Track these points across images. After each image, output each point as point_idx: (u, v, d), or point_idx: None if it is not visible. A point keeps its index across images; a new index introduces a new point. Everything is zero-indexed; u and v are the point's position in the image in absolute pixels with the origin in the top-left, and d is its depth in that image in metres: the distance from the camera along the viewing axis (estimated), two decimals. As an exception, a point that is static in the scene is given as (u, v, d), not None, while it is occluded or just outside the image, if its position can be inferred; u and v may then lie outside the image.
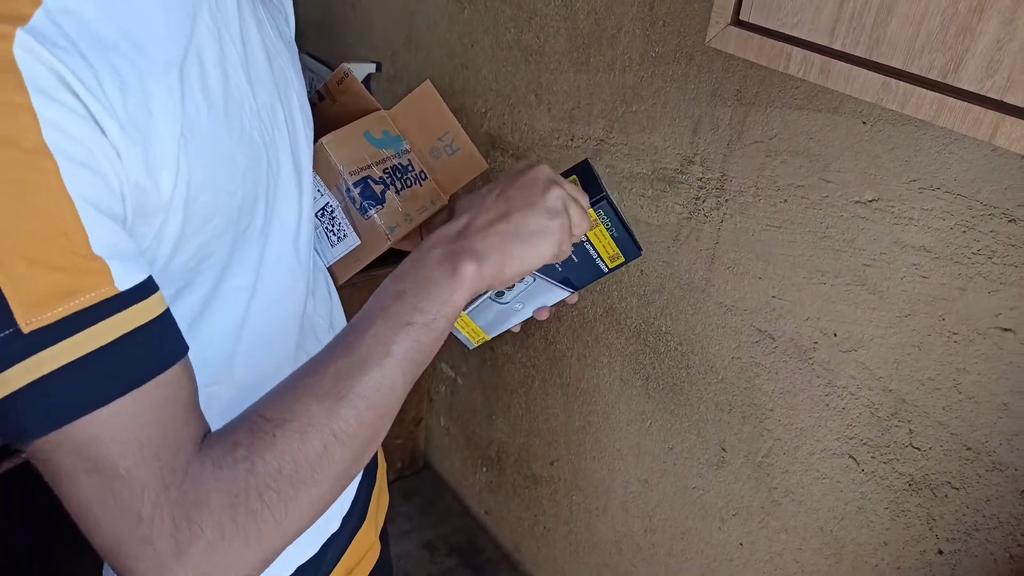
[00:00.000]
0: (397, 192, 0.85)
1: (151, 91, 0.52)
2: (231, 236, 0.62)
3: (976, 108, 0.55)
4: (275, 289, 0.70)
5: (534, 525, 1.78)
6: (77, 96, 0.47)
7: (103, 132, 0.48)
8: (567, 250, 0.64)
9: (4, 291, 0.43)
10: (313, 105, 0.91)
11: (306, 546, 0.81)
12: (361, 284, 0.90)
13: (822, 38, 0.64)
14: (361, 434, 0.54)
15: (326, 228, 0.85)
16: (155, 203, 0.53)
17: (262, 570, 0.52)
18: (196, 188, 0.55)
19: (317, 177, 0.83)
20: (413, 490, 2.09)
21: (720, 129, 1.04)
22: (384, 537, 1.02)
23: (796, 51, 0.66)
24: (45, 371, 0.44)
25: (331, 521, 0.84)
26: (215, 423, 0.57)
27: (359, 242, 0.84)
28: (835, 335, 0.98)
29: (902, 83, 0.60)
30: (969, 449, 0.88)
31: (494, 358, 1.74)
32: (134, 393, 0.48)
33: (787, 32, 0.66)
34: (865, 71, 0.62)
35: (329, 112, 0.91)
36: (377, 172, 0.84)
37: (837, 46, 0.63)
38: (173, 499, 0.48)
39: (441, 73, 1.58)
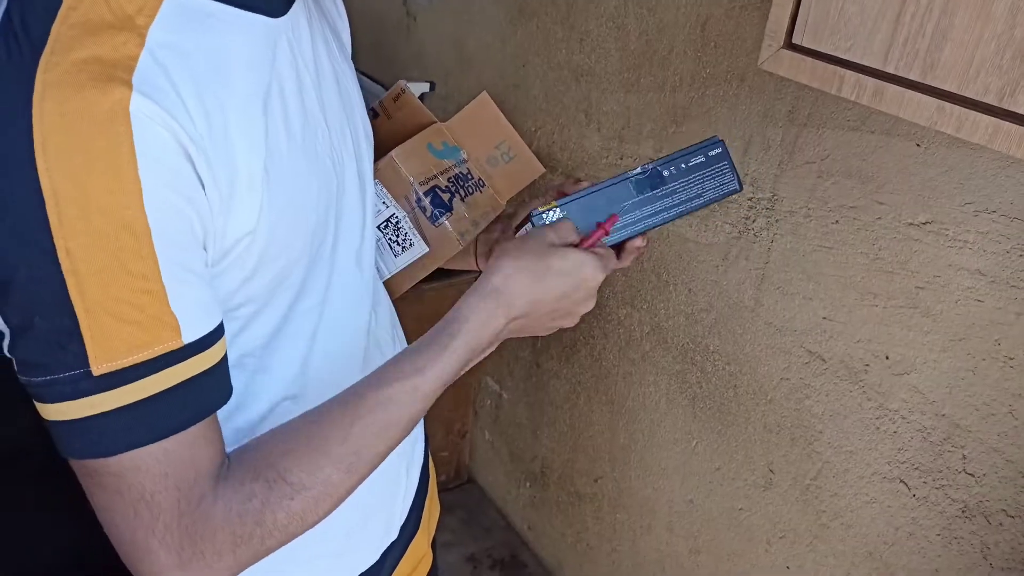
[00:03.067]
0: (462, 199, 0.88)
1: (234, 127, 0.54)
2: (307, 259, 0.65)
3: (1033, 133, 0.55)
4: (341, 306, 0.72)
5: (577, 542, 1.78)
6: (187, 155, 0.50)
7: (202, 186, 0.52)
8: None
9: (84, 337, 0.48)
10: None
11: (367, 554, 0.83)
12: (412, 298, 0.93)
13: (875, 62, 0.64)
14: (356, 489, 0.60)
15: (390, 239, 0.88)
16: (237, 233, 0.56)
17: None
18: (276, 216, 0.58)
19: (383, 190, 0.86)
20: (457, 503, 2.11)
21: (771, 149, 1.04)
22: (434, 546, 1.04)
23: (849, 74, 0.66)
24: (104, 409, 0.49)
25: (390, 530, 0.85)
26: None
27: (427, 249, 0.87)
28: (887, 358, 0.97)
29: (957, 107, 0.60)
30: (1025, 476, 0.87)
31: (539, 373, 1.75)
32: (175, 436, 0.52)
33: (840, 56, 0.66)
34: (919, 95, 0.62)
35: (384, 128, 0.94)
36: (443, 181, 0.87)
37: (890, 70, 0.63)
38: (184, 526, 0.53)
39: (492, 93, 1.59)
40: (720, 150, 0.74)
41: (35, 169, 0.45)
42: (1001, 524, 0.91)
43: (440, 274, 0.92)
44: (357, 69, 0.88)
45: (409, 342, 0.94)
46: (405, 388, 0.60)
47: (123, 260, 0.48)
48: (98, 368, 0.48)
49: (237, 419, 0.66)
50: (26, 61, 0.46)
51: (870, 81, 0.65)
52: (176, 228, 0.50)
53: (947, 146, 0.85)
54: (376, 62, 2.09)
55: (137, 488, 0.51)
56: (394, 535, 0.86)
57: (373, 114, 0.95)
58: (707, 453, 1.31)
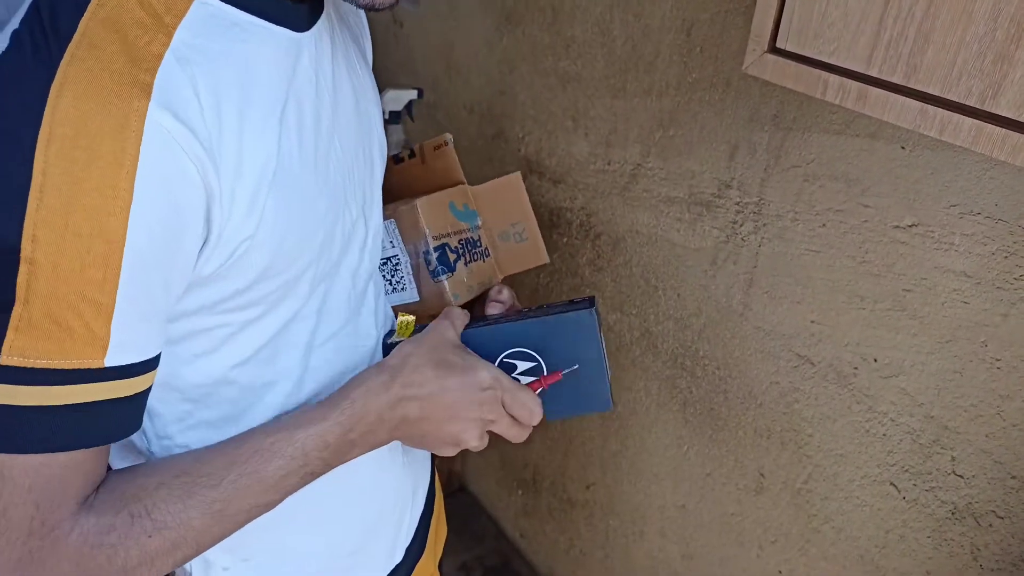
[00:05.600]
0: (466, 264, 0.89)
1: (248, 136, 0.54)
2: (313, 272, 0.64)
3: (1015, 135, 0.55)
4: (336, 319, 0.72)
5: (569, 549, 1.78)
6: (198, 169, 0.50)
7: (207, 198, 0.51)
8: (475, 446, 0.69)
9: (10, 324, 0.46)
10: (401, 160, 0.95)
11: (372, 575, 0.82)
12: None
13: (859, 65, 0.64)
14: (215, 545, 0.58)
15: (385, 276, 0.88)
16: (236, 240, 0.55)
17: None
18: (283, 227, 0.58)
19: (396, 230, 0.86)
20: (449, 512, 2.09)
21: (757, 154, 1.04)
22: (441, 568, 1.03)
23: (833, 78, 0.66)
24: None
25: (394, 553, 0.85)
26: None
27: (417, 299, 0.88)
28: (875, 360, 0.98)
29: (940, 109, 0.60)
30: (1014, 478, 0.87)
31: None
32: (59, 454, 0.49)
33: (824, 59, 0.66)
34: (903, 98, 0.62)
35: (415, 171, 0.95)
36: (454, 242, 0.89)
37: (874, 73, 0.63)
38: (31, 547, 0.49)
39: (479, 99, 1.60)
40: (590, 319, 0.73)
41: (33, 151, 0.45)
42: (991, 525, 0.91)
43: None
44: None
45: None
46: (282, 439, 0.59)
47: (86, 264, 0.47)
48: (7, 358, 0.46)
49: (227, 430, 0.66)
50: (52, 54, 0.46)
51: (854, 84, 0.65)
52: (155, 249, 0.49)
53: (932, 149, 0.85)
54: (364, 70, 2.09)
55: None
56: (399, 557, 0.85)
57: (410, 154, 0.96)
58: (698, 458, 1.31)
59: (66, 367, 0.48)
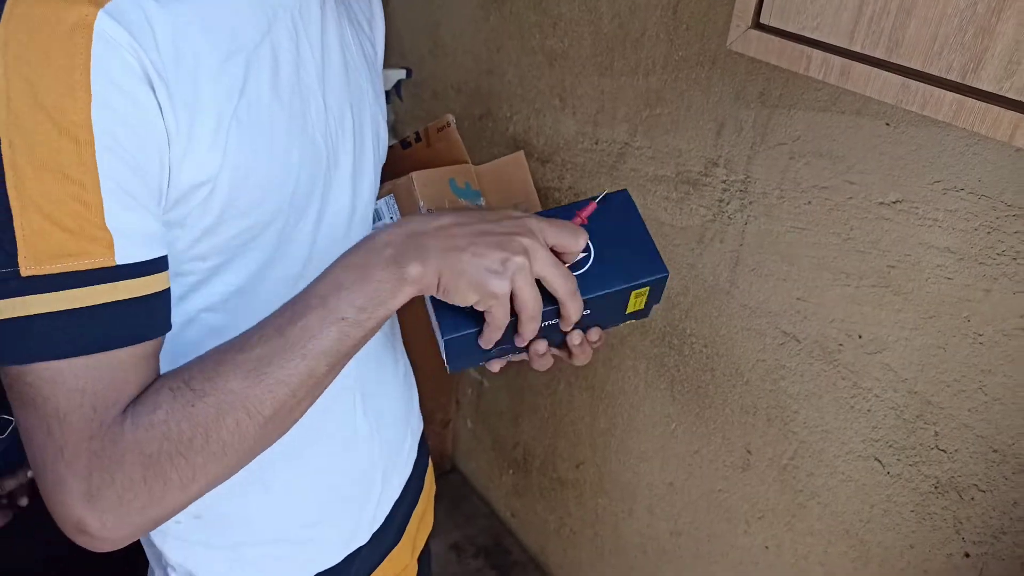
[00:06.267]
0: None
1: (204, 70, 0.55)
2: (280, 225, 0.65)
3: (995, 108, 0.55)
4: None
5: (560, 527, 1.79)
6: (148, 80, 0.51)
7: (161, 114, 0.52)
8: (503, 313, 0.58)
9: (16, 234, 0.48)
10: (409, 145, 0.96)
11: (329, 552, 0.83)
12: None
13: (842, 40, 0.64)
14: (276, 416, 0.55)
15: None
16: (196, 178, 0.56)
17: (164, 522, 0.55)
18: (245, 168, 0.58)
19: (395, 206, 0.86)
20: (440, 492, 2.10)
21: (744, 131, 1.04)
22: (424, 558, 1.03)
23: (817, 53, 0.66)
24: (28, 312, 0.49)
25: (357, 532, 0.85)
26: None
27: None
28: (860, 337, 0.98)
29: (921, 84, 0.60)
30: (995, 451, 0.88)
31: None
32: (98, 355, 0.51)
33: (807, 35, 0.66)
34: (885, 72, 0.62)
35: (421, 154, 0.95)
36: None
37: (857, 48, 0.63)
38: (94, 449, 0.51)
39: (466, 79, 1.60)
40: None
41: None
42: (973, 499, 0.92)
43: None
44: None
45: (406, 341, 0.95)
46: (300, 295, 0.56)
47: (61, 163, 0.48)
48: (26, 269, 0.48)
49: None
50: None
51: (837, 60, 0.65)
52: (123, 148, 0.50)
53: (915, 125, 0.85)
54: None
55: (52, 405, 0.50)
56: (363, 539, 0.85)
57: (416, 137, 0.96)
58: (686, 436, 1.32)
59: (81, 268, 0.50)
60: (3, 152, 0.47)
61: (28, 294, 0.49)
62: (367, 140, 0.75)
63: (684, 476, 1.35)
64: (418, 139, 0.96)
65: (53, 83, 0.47)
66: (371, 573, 0.89)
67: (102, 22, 0.48)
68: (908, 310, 0.92)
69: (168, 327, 0.57)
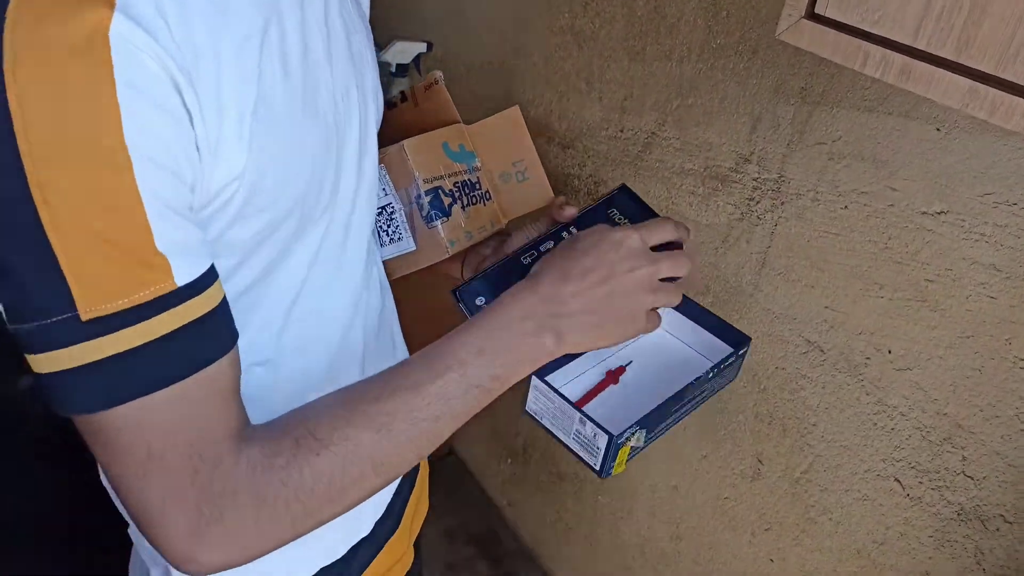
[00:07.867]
0: (463, 208, 0.85)
1: (226, 62, 0.50)
2: (298, 215, 0.61)
3: (1077, 120, 0.50)
4: (326, 272, 0.68)
5: (556, 521, 1.76)
6: (175, 85, 0.46)
7: (191, 122, 0.48)
8: (653, 326, 0.65)
9: (67, 278, 0.44)
10: (394, 105, 0.91)
11: (333, 545, 0.80)
12: (416, 281, 0.89)
13: (905, 37, 0.59)
14: (398, 469, 0.56)
15: (381, 227, 0.84)
16: (224, 178, 0.52)
17: (268, 553, 0.54)
18: (266, 161, 0.54)
19: (387, 176, 0.82)
20: (436, 476, 2.07)
21: (781, 128, 0.99)
22: (418, 545, 1.00)
23: (875, 49, 0.61)
24: (95, 358, 0.46)
25: (362, 524, 0.82)
26: (249, 403, 0.56)
27: (414, 248, 0.84)
28: (889, 352, 0.93)
29: (992, 89, 0.55)
30: (1027, 482, 0.84)
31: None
32: (176, 386, 0.48)
33: (866, 28, 0.61)
34: (951, 74, 0.57)
35: (409, 115, 0.90)
36: (448, 184, 0.84)
37: (921, 46, 0.58)
38: (200, 486, 0.49)
39: (490, 58, 1.54)
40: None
41: (4, 92, 0.41)
42: (998, 529, 0.87)
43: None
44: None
45: (405, 334, 0.91)
46: (435, 347, 0.58)
47: (102, 194, 0.44)
48: (86, 312, 0.45)
49: None
50: None
51: (897, 57, 0.60)
52: (160, 164, 0.46)
53: (969, 132, 0.80)
54: (372, 20, 2.02)
55: (143, 447, 0.48)
56: (367, 529, 0.83)
57: (402, 97, 0.91)
58: (694, 439, 1.27)
59: (143, 300, 0.46)
60: (31, 189, 0.42)
61: (92, 338, 0.45)
62: (370, 109, 0.72)
63: (689, 480, 1.31)
64: (404, 99, 0.91)
65: (77, 105, 0.42)
66: (371, 562, 0.86)
67: (118, 24, 0.43)
68: (944, 327, 0.87)
69: (236, 336, 0.54)
